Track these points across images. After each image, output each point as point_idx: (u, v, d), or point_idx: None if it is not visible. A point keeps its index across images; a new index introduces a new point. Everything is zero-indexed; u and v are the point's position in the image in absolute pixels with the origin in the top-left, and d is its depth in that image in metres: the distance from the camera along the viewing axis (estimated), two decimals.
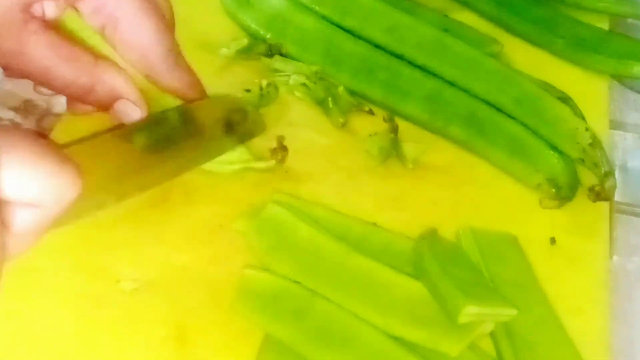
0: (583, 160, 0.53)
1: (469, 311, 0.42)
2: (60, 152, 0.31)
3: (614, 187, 0.53)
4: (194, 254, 0.48)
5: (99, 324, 0.45)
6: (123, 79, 0.49)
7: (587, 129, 0.54)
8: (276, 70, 0.60)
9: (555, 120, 0.55)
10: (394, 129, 0.56)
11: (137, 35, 0.48)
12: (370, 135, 0.56)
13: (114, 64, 0.48)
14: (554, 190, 0.53)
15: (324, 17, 0.63)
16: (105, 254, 0.48)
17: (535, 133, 0.55)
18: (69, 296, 0.46)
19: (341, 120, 0.58)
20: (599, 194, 0.52)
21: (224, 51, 0.61)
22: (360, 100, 0.59)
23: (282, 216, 0.48)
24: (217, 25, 0.65)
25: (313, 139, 0.57)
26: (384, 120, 0.57)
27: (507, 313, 0.44)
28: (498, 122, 0.56)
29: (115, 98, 0.49)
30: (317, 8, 0.64)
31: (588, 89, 0.61)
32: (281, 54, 0.61)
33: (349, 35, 0.62)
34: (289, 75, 0.59)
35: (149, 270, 0.47)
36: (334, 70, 0.60)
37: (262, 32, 0.63)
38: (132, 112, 0.49)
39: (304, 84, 0.59)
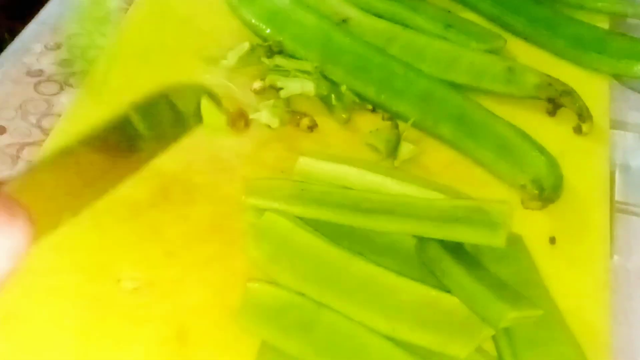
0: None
1: (510, 317, 0.42)
2: (9, 206, 0.31)
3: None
4: (194, 254, 0.48)
5: (100, 324, 0.45)
6: None
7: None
8: (277, 66, 0.60)
9: None
10: (395, 125, 0.56)
11: None
12: (371, 132, 0.56)
13: None
14: (537, 191, 0.53)
15: (323, 15, 0.64)
16: (105, 254, 0.48)
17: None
18: (70, 296, 0.46)
19: (344, 116, 0.58)
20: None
21: (225, 62, 0.61)
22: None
23: (280, 224, 0.47)
24: (221, 24, 0.65)
25: (314, 137, 0.57)
26: (383, 119, 0.58)
27: (535, 313, 0.44)
28: (487, 123, 0.57)
29: None
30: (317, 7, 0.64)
31: (588, 89, 0.61)
32: (281, 52, 0.61)
33: (347, 33, 0.62)
34: (289, 71, 0.59)
35: (149, 270, 0.47)
36: (330, 66, 0.60)
37: (263, 28, 0.64)
38: None
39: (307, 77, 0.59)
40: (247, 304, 0.45)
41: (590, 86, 0.62)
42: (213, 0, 0.67)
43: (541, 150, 0.55)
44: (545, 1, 0.69)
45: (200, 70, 0.61)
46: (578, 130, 0.58)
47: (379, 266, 0.46)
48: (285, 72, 0.60)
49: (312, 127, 0.57)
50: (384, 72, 0.60)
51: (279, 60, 0.60)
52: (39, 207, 0.34)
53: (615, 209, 0.54)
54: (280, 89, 0.59)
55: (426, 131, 0.58)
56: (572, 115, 0.59)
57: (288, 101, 0.58)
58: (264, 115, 0.56)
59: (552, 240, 0.51)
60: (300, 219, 0.48)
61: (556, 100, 0.59)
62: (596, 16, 0.69)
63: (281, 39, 0.62)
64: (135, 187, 0.47)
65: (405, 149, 0.55)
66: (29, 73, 0.61)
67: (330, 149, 0.56)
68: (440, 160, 0.56)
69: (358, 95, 0.59)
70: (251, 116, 0.57)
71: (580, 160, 0.57)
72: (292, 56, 0.61)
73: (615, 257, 0.51)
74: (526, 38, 0.67)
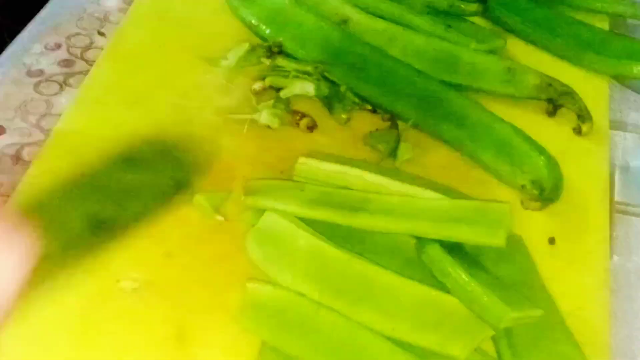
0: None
1: (510, 317, 0.42)
2: (13, 224, 0.30)
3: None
4: (194, 254, 0.48)
5: (99, 324, 0.45)
6: None
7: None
8: (277, 67, 0.60)
9: None
10: (395, 126, 0.56)
11: None
12: (371, 132, 0.56)
13: None
14: (537, 192, 0.53)
15: (323, 15, 0.64)
16: (105, 254, 0.47)
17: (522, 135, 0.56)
18: (70, 296, 0.46)
19: (344, 116, 0.58)
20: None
21: (225, 62, 0.61)
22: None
23: (280, 224, 0.47)
24: (221, 24, 0.66)
25: (314, 137, 0.57)
26: (383, 119, 0.58)
27: (535, 314, 0.44)
28: (487, 123, 0.57)
29: None
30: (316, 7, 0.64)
31: (588, 89, 0.61)
32: (281, 52, 0.62)
33: (347, 34, 0.63)
34: (289, 72, 0.59)
35: (149, 270, 0.47)
36: (330, 67, 0.60)
37: (263, 28, 0.64)
38: None
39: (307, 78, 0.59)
40: (247, 304, 0.45)
41: (590, 86, 0.62)
42: (213, 1, 0.67)
43: (541, 150, 0.55)
44: (545, 1, 0.69)
45: (200, 70, 0.61)
46: (578, 130, 0.58)
47: (379, 266, 0.46)
48: (285, 73, 0.60)
49: (312, 127, 0.57)
50: (384, 72, 0.60)
51: (279, 60, 0.60)
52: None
53: (615, 209, 0.54)
54: (280, 89, 0.59)
55: (426, 131, 0.58)
56: (572, 116, 0.59)
57: (288, 101, 0.58)
58: (264, 115, 0.56)
59: (552, 241, 0.51)
60: (300, 219, 0.48)
61: (556, 100, 0.59)
62: (596, 16, 0.69)
63: (281, 39, 0.62)
64: None
65: (405, 149, 0.55)
66: (29, 73, 0.61)
67: (330, 149, 0.56)
68: (440, 160, 0.56)
69: (358, 95, 0.59)
70: (251, 116, 0.57)
71: (580, 161, 0.57)
72: (292, 56, 0.61)
73: (615, 257, 0.51)
74: (526, 38, 0.67)
